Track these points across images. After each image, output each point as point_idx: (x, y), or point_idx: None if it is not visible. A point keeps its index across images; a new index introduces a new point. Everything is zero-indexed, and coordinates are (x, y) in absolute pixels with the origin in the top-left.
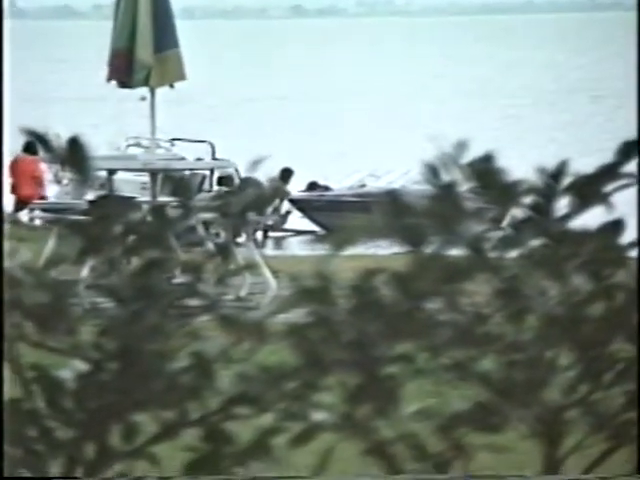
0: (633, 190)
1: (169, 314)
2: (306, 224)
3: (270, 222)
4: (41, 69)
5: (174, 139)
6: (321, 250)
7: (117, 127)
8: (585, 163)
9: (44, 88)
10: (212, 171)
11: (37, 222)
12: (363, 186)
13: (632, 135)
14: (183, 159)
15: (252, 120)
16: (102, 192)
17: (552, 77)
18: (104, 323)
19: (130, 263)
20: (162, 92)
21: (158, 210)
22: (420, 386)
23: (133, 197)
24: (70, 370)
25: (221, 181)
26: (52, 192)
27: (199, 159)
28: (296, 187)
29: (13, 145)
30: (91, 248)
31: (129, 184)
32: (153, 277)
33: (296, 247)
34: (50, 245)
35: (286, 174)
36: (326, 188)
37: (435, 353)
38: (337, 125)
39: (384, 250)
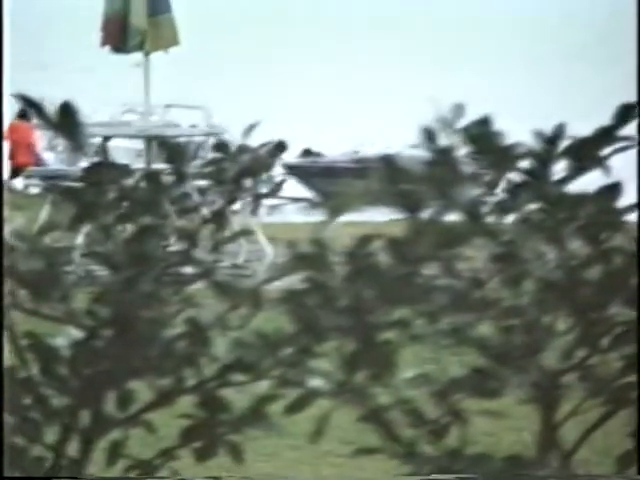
0: (631, 153)
1: (164, 281)
2: (301, 191)
3: (266, 189)
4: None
5: (169, 105)
6: (317, 217)
7: (111, 94)
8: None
9: (34, 55)
10: (208, 138)
11: (32, 189)
12: (357, 152)
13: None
14: (177, 126)
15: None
16: (96, 159)
17: None
18: (98, 290)
19: (125, 230)
20: (156, 57)
21: (152, 176)
22: (417, 352)
23: (127, 164)
24: (64, 337)
25: (217, 148)
26: (47, 159)
27: (193, 126)
28: (290, 153)
29: (7, 112)
30: (85, 215)
31: (124, 151)
32: (147, 244)
33: (292, 214)
34: (44, 212)
35: (280, 147)
36: (319, 154)
37: (432, 319)
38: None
39: (380, 216)
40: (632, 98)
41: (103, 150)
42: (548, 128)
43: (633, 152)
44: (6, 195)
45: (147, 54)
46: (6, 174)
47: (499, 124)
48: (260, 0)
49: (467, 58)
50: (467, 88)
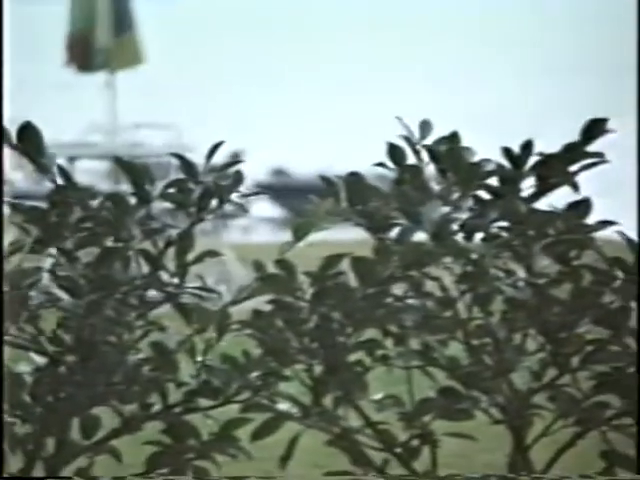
0: (598, 170)
1: (128, 305)
2: (271, 209)
3: (234, 209)
4: None
5: (138, 125)
6: (285, 237)
7: (79, 114)
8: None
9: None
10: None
11: None
12: (326, 170)
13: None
14: (144, 145)
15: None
16: (60, 181)
17: None
18: (61, 315)
19: (90, 253)
20: (125, 77)
21: (117, 198)
22: (386, 373)
23: (92, 186)
24: (27, 364)
25: (183, 168)
26: (16, 178)
27: (164, 145)
28: (260, 172)
29: None
30: (49, 237)
31: (91, 172)
32: (111, 267)
33: (266, 234)
34: (10, 233)
35: (236, 157)
36: (289, 173)
37: (401, 339)
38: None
39: (347, 235)
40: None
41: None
42: (518, 145)
43: (601, 168)
44: None
45: (113, 72)
46: None
47: (468, 141)
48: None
49: (433, 75)
50: (437, 106)
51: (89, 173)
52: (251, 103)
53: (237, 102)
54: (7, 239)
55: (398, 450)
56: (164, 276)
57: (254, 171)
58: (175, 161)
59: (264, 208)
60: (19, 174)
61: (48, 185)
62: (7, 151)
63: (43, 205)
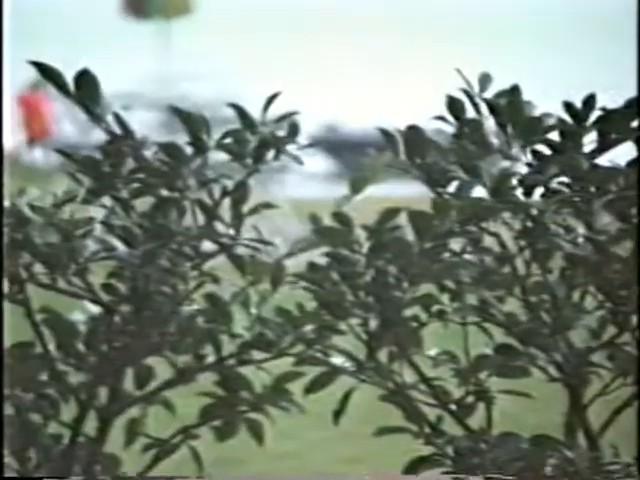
0: None
1: (183, 255)
2: (323, 164)
3: (288, 162)
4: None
5: (190, 76)
6: (338, 191)
7: (131, 65)
8: None
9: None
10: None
11: (49, 160)
12: (382, 124)
13: None
14: (199, 97)
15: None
16: (115, 130)
17: None
18: (116, 265)
19: (143, 203)
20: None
21: (171, 148)
22: (442, 329)
23: (146, 135)
24: (82, 313)
25: (239, 118)
26: (66, 130)
27: (217, 98)
28: (313, 126)
29: (24, 80)
30: (102, 187)
31: (144, 122)
32: (166, 217)
33: (314, 188)
34: (61, 184)
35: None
36: (342, 127)
37: (457, 295)
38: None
39: (405, 190)
40: None
41: (123, 121)
42: (577, 100)
43: None
44: (21, 167)
45: (167, 19)
46: (22, 144)
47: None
48: None
49: (492, 33)
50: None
51: (141, 124)
52: (305, 56)
53: (289, 56)
54: (60, 189)
55: (452, 407)
56: (219, 227)
57: (307, 126)
58: (227, 113)
59: (317, 163)
60: (69, 126)
61: (97, 138)
62: (57, 102)
63: (94, 157)
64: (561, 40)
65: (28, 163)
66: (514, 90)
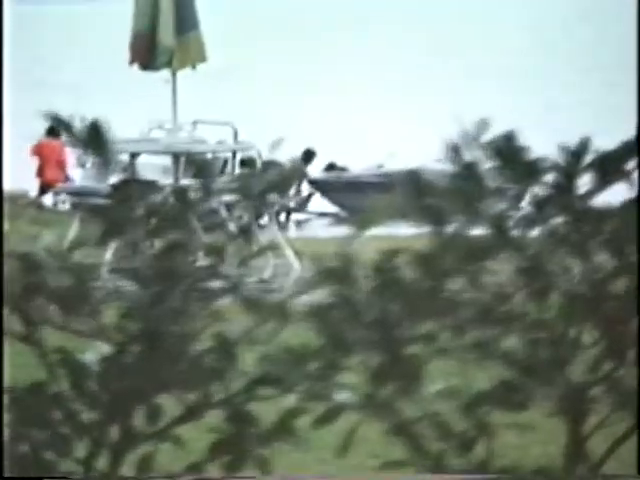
0: None
1: (192, 296)
2: (326, 205)
3: (292, 204)
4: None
5: (196, 122)
6: (343, 231)
7: (140, 111)
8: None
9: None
10: (234, 154)
11: (61, 206)
12: (381, 166)
13: None
14: (204, 142)
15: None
16: (124, 176)
17: None
18: (127, 305)
19: (152, 246)
20: (183, 74)
21: (180, 192)
22: (443, 365)
23: (155, 180)
24: (94, 353)
25: (243, 163)
26: (76, 176)
27: (220, 142)
28: (314, 168)
29: (37, 129)
30: (113, 231)
31: (151, 168)
32: (175, 259)
33: (319, 229)
34: (73, 228)
35: (308, 155)
36: (344, 169)
37: (458, 332)
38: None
39: (406, 230)
40: None
41: (131, 167)
42: (572, 142)
43: None
44: (35, 212)
45: (175, 71)
46: (35, 191)
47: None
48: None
49: (490, 73)
50: (490, 103)
51: (147, 169)
52: (305, 102)
53: (290, 100)
54: (73, 233)
55: (455, 441)
56: (227, 268)
57: (313, 168)
58: (231, 156)
59: (316, 203)
60: (79, 172)
61: (107, 183)
62: (68, 149)
63: (105, 202)
64: (562, 87)
65: (45, 208)
66: (510, 135)
